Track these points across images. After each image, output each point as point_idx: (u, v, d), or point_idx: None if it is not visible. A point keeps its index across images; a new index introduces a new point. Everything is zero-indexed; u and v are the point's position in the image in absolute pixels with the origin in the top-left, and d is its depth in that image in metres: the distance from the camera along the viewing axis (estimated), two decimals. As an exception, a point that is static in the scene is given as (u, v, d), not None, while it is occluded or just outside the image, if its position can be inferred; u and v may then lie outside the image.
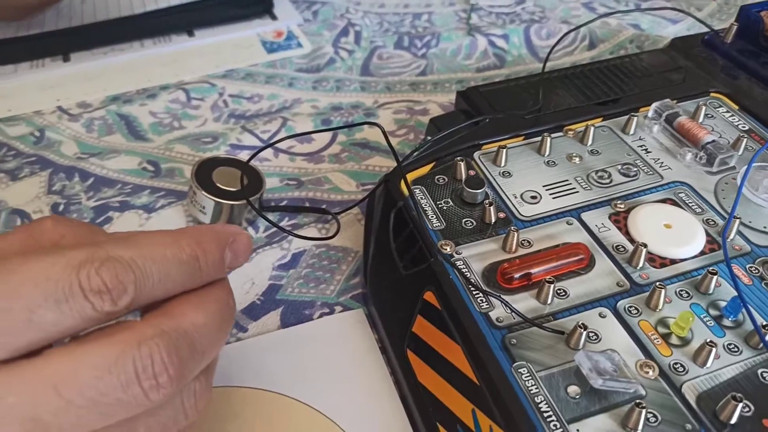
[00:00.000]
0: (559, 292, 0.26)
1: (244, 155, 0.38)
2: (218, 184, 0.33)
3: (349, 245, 0.34)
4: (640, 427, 0.21)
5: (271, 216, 0.35)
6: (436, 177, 0.31)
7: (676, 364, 0.23)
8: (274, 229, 0.34)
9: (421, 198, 0.30)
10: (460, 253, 0.27)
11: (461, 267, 0.27)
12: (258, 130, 0.41)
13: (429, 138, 0.34)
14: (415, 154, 0.32)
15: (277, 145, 0.40)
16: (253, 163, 0.34)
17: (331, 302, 0.31)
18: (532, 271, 0.26)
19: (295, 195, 0.36)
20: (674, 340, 0.24)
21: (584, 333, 0.23)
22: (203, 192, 0.32)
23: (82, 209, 0.35)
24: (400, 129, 0.41)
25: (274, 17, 0.52)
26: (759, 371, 0.23)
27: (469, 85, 0.45)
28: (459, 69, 0.47)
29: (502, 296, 0.25)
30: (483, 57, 0.48)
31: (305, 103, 0.44)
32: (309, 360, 0.28)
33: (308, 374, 0.28)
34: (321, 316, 0.30)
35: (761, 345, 0.23)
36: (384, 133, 0.31)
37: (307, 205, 0.36)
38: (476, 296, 0.25)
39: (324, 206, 0.36)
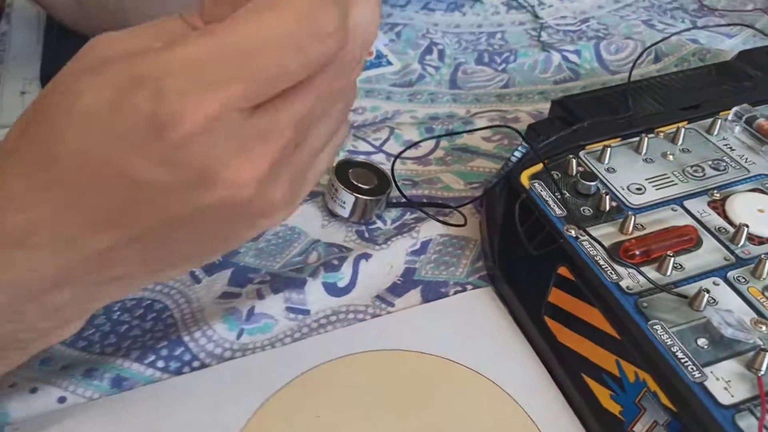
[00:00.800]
0: (675, 266, 0.30)
1: (362, 159, 0.43)
2: (355, 183, 0.38)
3: (467, 234, 0.38)
4: (764, 368, 0.26)
5: (395, 211, 0.40)
6: (551, 172, 0.36)
7: (785, 321, 0.28)
8: (401, 221, 0.39)
9: (542, 190, 0.35)
10: (585, 235, 0.32)
11: (589, 247, 0.31)
12: (370, 138, 0.46)
13: (525, 143, 0.39)
14: (530, 155, 0.37)
15: (386, 149, 0.45)
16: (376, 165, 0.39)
17: (462, 282, 0.36)
18: (652, 248, 0.31)
19: (412, 193, 0.41)
20: (781, 302, 0.29)
21: (706, 296, 0.28)
22: (345, 189, 0.37)
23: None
24: (494, 135, 0.46)
25: (362, 38, 0.58)
26: None
27: (550, 96, 0.50)
28: (538, 82, 0.52)
29: (639, 268, 0.30)
30: (558, 71, 0.53)
31: (405, 113, 0.49)
32: (451, 328, 0.33)
33: (452, 339, 0.32)
34: (455, 293, 0.35)
35: None
36: (520, 133, 0.37)
37: (424, 201, 0.41)
38: (605, 269, 0.30)
39: (440, 201, 0.40)
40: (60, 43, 0.57)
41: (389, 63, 0.55)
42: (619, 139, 0.38)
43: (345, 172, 0.39)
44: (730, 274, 0.30)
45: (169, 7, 0.54)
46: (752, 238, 0.32)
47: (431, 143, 0.46)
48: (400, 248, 0.37)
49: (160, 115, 0.18)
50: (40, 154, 0.20)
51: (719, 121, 0.39)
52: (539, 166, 0.37)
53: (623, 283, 0.30)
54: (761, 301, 0.29)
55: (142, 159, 0.19)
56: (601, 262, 0.30)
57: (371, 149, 0.45)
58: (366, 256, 0.36)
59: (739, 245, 0.31)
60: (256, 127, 0.19)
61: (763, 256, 0.30)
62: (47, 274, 0.22)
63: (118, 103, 0.18)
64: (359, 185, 0.38)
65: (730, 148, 0.38)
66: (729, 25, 0.56)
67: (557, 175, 0.36)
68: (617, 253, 0.31)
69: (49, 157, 0.20)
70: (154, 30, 0.21)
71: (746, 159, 0.37)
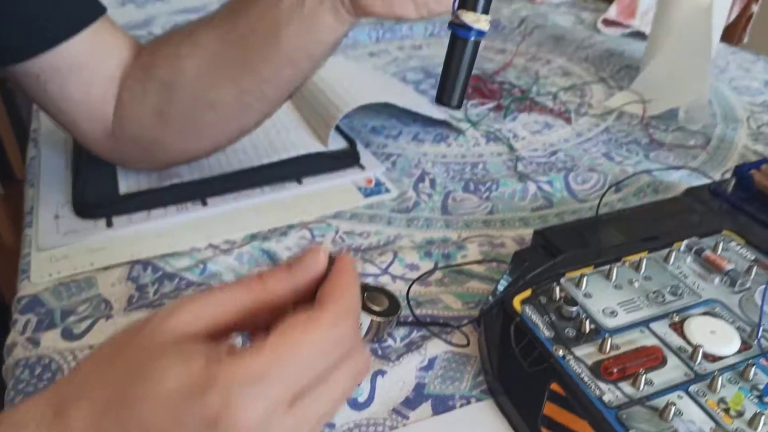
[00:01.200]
0: (646, 381, 0.36)
1: (370, 281, 0.49)
2: (369, 305, 0.44)
3: (468, 352, 0.44)
4: (724, 471, 0.31)
5: (403, 329, 0.46)
6: (538, 297, 0.43)
7: (737, 429, 0.34)
8: (409, 339, 0.45)
9: (531, 314, 0.41)
10: (570, 355, 0.38)
11: (575, 366, 0.37)
12: (376, 261, 0.52)
13: (512, 267, 0.45)
14: (520, 283, 0.44)
15: (391, 272, 0.51)
16: (386, 287, 0.45)
17: (467, 395, 0.41)
18: (626, 366, 0.37)
19: (416, 312, 0.47)
20: (732, 412, 0.35)
21: (673, 408, 0.34)
22: (362, 311, 0.43)
23: (257, 326, 0.45)
24: (484, 260, 0.53)
25: (362, 167, 0.66)
26: (796, 432, 0.33)
27: (530, 223, 0.58)
28: (518, 209, 0.60)
29: (617, 383, 0.36)
30: (534, 199, 0.61)
31: (405, 238, 0.56)
32: (460, 439, 0.38)
33: (463, 449, 0.37)
34: (461, 405, 0.40)
35: (794, 414, 0.34)
36: (511, 266, 0.43)
37: (428, 320, 0.47)
38: (590, 386, 0.36)
39: (441, 321, 0.46)
40: (89, 169, 0.63)
41: (387, 190, 0.63)
42: (592, 267, 0.46)
43: (361, 295, 0.45)
44: (691, 389, 0.36)
45: (202, 143, 0.61)
46: (707, 357, 0.38)
47: (430, 266, 0.52)
48: (410, 365, 0.43)
49: (223, 416, 0.24)
50: (112, 404, 0.25)
51: (674, 252, 0.46)
52: (528, 292, 0.43)
53: (605, 398, 0.35)
54: (717, 412, 0.35)
55: None
56: (586, 380, 0.36)
57: (378, 271, 0.51)
58: (382, 373, 0.42)
59: (697, 363, 0.38)
60: (289, 424, 0.26)
61: (716, 372, 0.36)
62: None
63: (195, 396, 0.24)
64: (373, 307, 0.44)
65: (684, 275, 0.45)
66: (676, 168, 0.65)
67: (544, 300, 0.42)
68: (598, 370, 0.37)
69: (120, 415, 0.25)
70: (218, 301, 0.28)
71: (698, 285, 0.44)
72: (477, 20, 0.37)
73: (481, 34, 0.38)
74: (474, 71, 0.88)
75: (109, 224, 0.57)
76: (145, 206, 0.59)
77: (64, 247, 0.54)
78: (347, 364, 0.28)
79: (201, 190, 0.61)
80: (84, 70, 0.54)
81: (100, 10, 0.55)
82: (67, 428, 0.25)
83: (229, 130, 0.57)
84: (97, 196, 0.60)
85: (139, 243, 0.55)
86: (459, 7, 0.37)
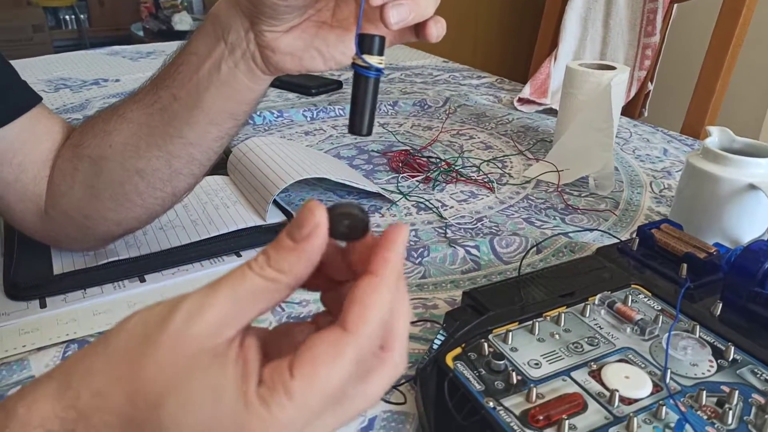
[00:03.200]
0: (570, 426, 0.39)
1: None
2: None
3: (407, 410, 0.46)
4: (642, 504, 0.34)
5: (343, 393, 0.47)
6: (468, 354, 0.45)
7: (653, 464, 0.37)
8: (349, 402, 0.46)
9: (463, 369, 0.44)
10: (500, 405, 0.41)
11: (505, 416, 0.40)
12: (315, 328, 0.54)
13: (445, 326, 0.48)
14: (451, 341, 0.46)
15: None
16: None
17: (406, 453, 0.42)
18: (551, 413, 0.40)
19: (356, 376, 0.49)
20: (648, 450, 0.38)
21: (595, 449, 0.37)
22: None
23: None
24: (419, 320, 0.56)
25: (300, 239, 0.68)
26: (702, 463, 0.37)
27: (460, 285, 0.61)
28: (449, 272, 0.64)
29: (543, 431, 0.38)
30: (463, 263, 0.65)
31: (342, 305, 0.58)
32: (402, 496, 0.39)
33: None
34: (402, 463, 0.42)
35: (700, 447, 0.38)
36: (442, 326, 0.45)
37: (367, 382, 0.48)
38: (519, 433, 0.39)
39: (380, 383, 0.48)
40: (21, 250, 0.63)
41: (324, 260, 0.65)
42: (517, 323, 0.49)
43: (301, 362, 0.46)
44: (611, 431, 0.39)
45: (135, 212, 0.62)
46: (624, 400, 0.42)
47: (367, 330, 0.54)
48: (351, 427, 0.44)
49: None
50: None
51: (589, 305, 0.50)
52: (459, 349, 0.46)
53: (534, 444, 0.38)
54: (635, 450, 0.38)
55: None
56: (516, 428, 0.39)
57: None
58: (323, 436, 0.42)
59: (615, 406, 0.41)
60: None
61: (632, 414, 0.39)
62: None
63: None
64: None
65: (600, 327, 0.49)
66: (589, 230, 0.71)
67: (474, 355, 0.45)
68: (526, 419, 0.40)
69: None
70: (237, 298, 0.28)
71: (612, 335, 0.48)
72: (379, 62, 0.41)
73: (380, 72, 0.42)
74: (403, 147, 0.94)
75: (43, 305, 0.57)
76: (80, 285, 0.59)
77: (-6, 330, 0.53)
78: (378, 374, 0.28)
79: (138, 267, 0.61)
80: (17, 154, 0.55)
81: (36, 99, 0.56)
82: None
83: (161, 196, 0.57)
84: (29, 277, 0.59)
85: (74, 322, 0.54)
86: (361, 52, 0.41)
